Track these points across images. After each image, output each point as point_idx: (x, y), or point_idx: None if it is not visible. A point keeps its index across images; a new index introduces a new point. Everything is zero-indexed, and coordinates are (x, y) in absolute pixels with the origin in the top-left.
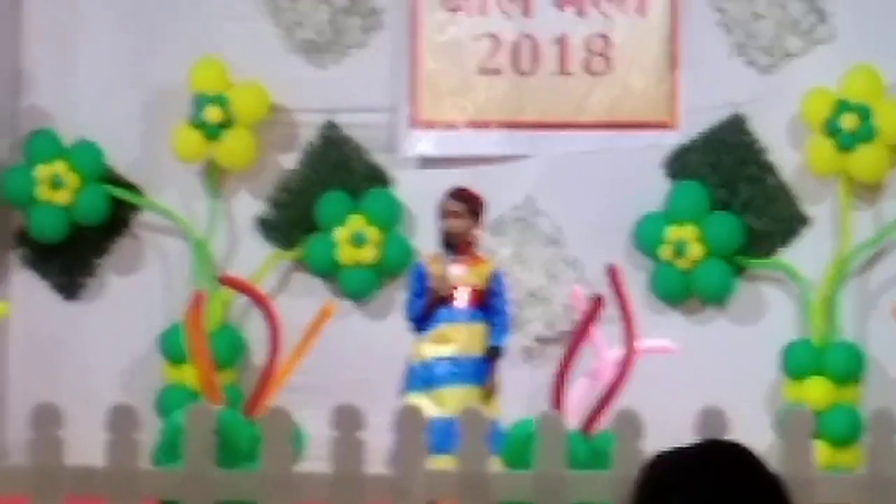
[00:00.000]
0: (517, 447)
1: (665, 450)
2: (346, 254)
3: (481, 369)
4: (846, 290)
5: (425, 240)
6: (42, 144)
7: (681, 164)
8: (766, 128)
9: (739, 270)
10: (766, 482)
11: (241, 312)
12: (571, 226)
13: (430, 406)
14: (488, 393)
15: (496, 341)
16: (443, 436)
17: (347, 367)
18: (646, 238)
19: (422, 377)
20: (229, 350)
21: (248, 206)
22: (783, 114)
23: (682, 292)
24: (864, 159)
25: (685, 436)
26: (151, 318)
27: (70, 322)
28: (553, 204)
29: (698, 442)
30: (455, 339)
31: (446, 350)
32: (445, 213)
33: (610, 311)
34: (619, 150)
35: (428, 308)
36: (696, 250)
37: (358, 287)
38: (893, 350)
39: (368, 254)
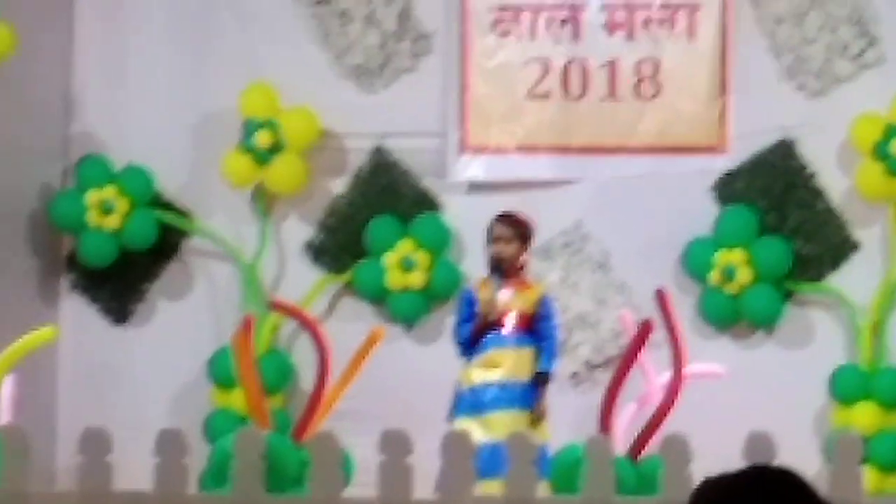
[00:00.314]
0: (565, 472)
1: (713, 476)
2: (394, 279)
3: (529, 394)
4: (895, 314)
5: (474, 265)
6: (92, 170)
7: (730, 189)
8: (816, 152)
9: (788, 295)
10: None
11: (289, 337)
12: (620, 250)
13: (477, 431)
14: (536, 418)
15: (544, 366)
16: (490, 461)
17: (395, 392)
18: (694, 262)
19: (469, 402)
20: (277, 375)
21: (297, 230)
22: (832, 138)
23: (730, 317)
24: None
25: (733, 461)
26: (200, 343)
27: (119, 347)
28: (602, 228)
29: (747, 468)
30: (503, 364)
31: (494, 375)
32: (494, 238)
33: (658, 335)
34: (668, 174)
35: (476, 333)
36: (744, 275)
37: (406, 312)
38: None
39: (417, 279)
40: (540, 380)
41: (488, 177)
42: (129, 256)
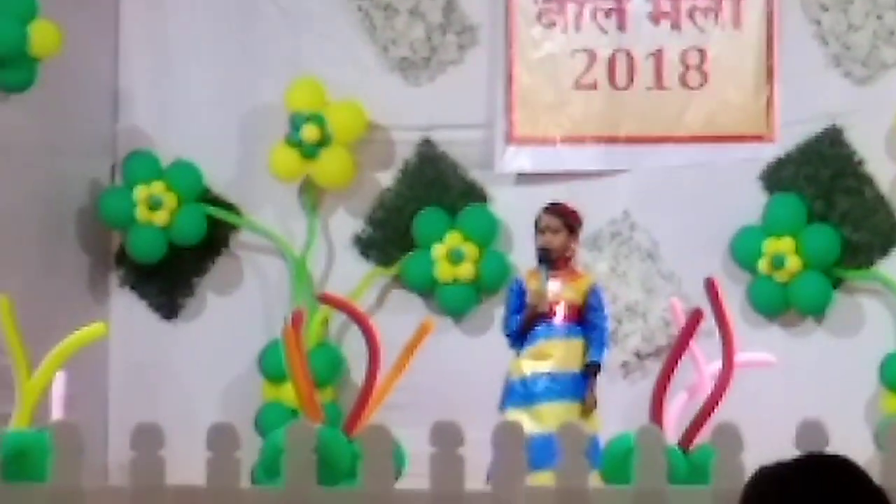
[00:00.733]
0: (616, 462)
1: (769, 464)
2: (443, 270)
3: (579, 385)
4: None
5: (522, 256)
6: (140, 165)
7: (777, 177)
8: (863, 139)
9: (837, 283)
10: (872, 495)
11: (339, 330)
12: (668, 240)
13: (528, 422)
14: (586, 409)
15: (594, 357)
16: (541, 452)
17: (445, 383)
18: (743, 251)
19: (520, 393)
20: (328, 368)
21: (346, 224)
22: (880, 125)
23: (779, 305)
24: None
25: (784, 449)
26: (250, 337)
27: (169, 342)
28: (650, 218)
29: (803, 456)
30: (553, 355)
31: (544, 366)
32: (541, 229)
33: (708, 324)
34: (716, 163)
35: (525, 324)
36: (793, 263)
37: (455, 304)
38: None
39: (466, 270)
40: (590, 370)
41: (535, 168)
42: (177, 251)
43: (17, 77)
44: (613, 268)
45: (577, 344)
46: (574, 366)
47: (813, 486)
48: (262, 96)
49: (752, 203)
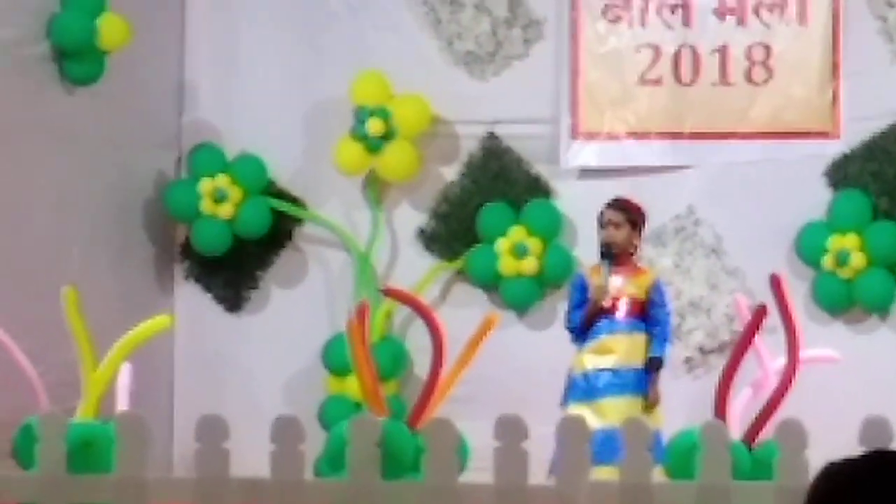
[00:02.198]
0: (680, 458)
1: (836, 460)
2: (507, 265)
3: (642, 380)
4: None
5: (586, 250)
6: (205, 158)
7: (842, 173)
8: None
9: None
10: None
11: (402, 324)
12: (732, 235)
13: (590, 417)
14: (649, 404)
15: (656, 352)
16: (603, 447)
17: (509, 377)
18: (807, 247)
19: (582, 388)
20: (392, 361)
21: (410, 217)
22: None
23: (844, 302)
24: None
25: (848, 446)
26: (314, 330)
27: (234, 334)
28: (714, 214)
29: (870, 452)
30: (616, 350)
31: (607, 361)
32: (605, 224)
33: (772, 320)
34: (781, 159)
35: (587, 318)
36: (858, 259)
37: (519, 298)
38: None
39: (529, 265)
40: (652, 365)
41: (600, 163)
42: (242, 244)
43: (86, 70)
44: (677, 263)
45: (639, 339)
46: (636, 361)
47: (882, 482)
48: (327, 90)
49: (816, 199)
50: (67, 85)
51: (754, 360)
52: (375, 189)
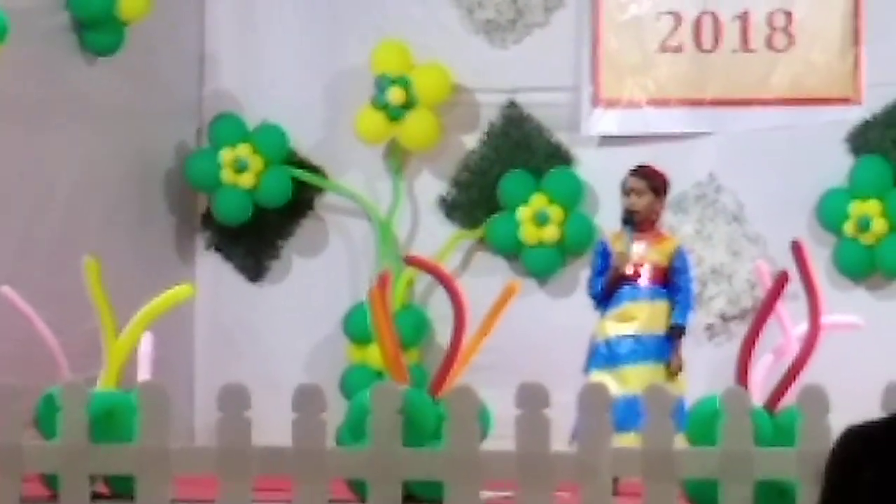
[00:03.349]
0: (701, 424)
1: (856, 424)
2: (528, 233)
3: (664, 347)
4: None
5: (607, 218)
6: (226, 128)
7: (864, 140)
8: None
9: None
10: None
11: (424, 292)
12: (754, 202)
13: (612, 384)
14: (672, 371)
15: (678, 319)
16: (625, 414)
17: (531, 345)
18: (829, 214)
19: (604, 355)
20: (413, 330)
21: (431, 186)
22: None
23: (865, 268)
24: None
25: (870, 411)
26: (335, 299)
27: (255, 304)
28: (735, 180)
29: (890, 416)
30: (638, 318)
31: (629, 328)
32: (628, 191)
33: (794, 287)
34: (802, 126)
35: (609, 285)
36: (879, 225)
37: (541, 266)
38: None
39: (551, 233)
40: (675, 332)
41: (621, 131)
42: (263, 214)
43: (106, 40)
44: (699, 230)
45: (661, 306)
46: (659, 328)
47: None
48: (347, 59)
49: (837, 165)
50: (87, 56)
51: (776, 326)
52: (396, 158)
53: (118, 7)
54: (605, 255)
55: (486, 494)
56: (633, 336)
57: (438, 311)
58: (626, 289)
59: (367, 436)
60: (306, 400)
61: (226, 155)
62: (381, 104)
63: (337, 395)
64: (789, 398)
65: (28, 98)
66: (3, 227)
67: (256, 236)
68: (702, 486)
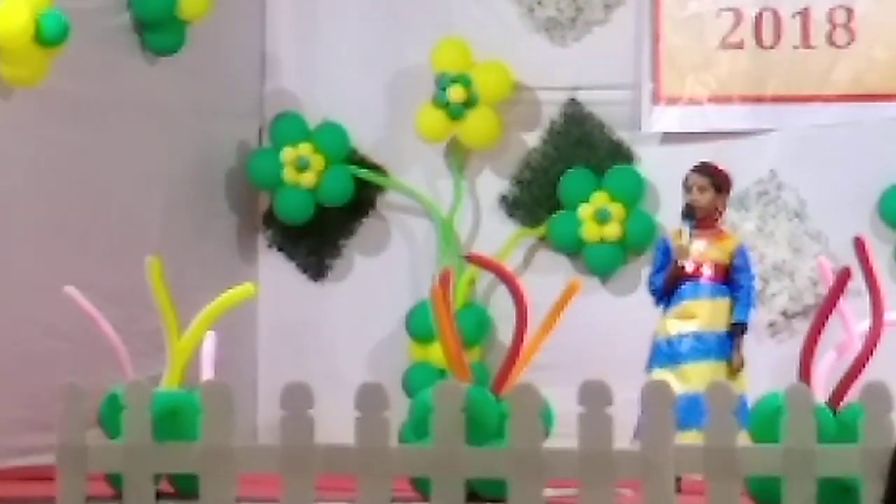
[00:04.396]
0: (764, 421)
1: None
2: (590, 231)
3: (725, 345)
4: None
5: (668, 215)
6: (287, 127)
7: None
8: None
9: None
10: None
11: (486, 290)
12: (816, 199)
13: (673, 382)
14: (733, 368)
15: (740, 317)
16: (687, 412)
17: (593, 343)
18: (891, 210)
19: (666, 353)
20: (475, 328)
21: (492, 184)
22: None
23: None
24: None
25: None
26: (397, 298)
27: (317, 303)
28: (797, 177)
29: None
30: (698, 315)
31: (690, 326)
32: (689, 188)
33: (856, 283)
34: (863, 122)
35: (669, 281)
36: None
37: (602, 264)
38: None
39: (612, 230)
40: (737, 330)
41: (682, 128)
42: (325, 213)
43: (167, 40)
44: (760, 227)
45: (723, 304)
46: (720, 326)
47: None
48: (408, 57)
49: None
50: (149, 56)
51: (838, 323)
52: (458, 156)
53: (179, 7)
54: (666, 251)
55: (549, 492)
56: (693, 333)
57: (500, 309)
58: (688, 286)
59: (429, 434)
60: (369, 398)
61: (287, 154)
62: (441, 102)
63: (399, 394)
64: (852, 395)
65: (90, 98)
66: (66, 228)
67: (318, 235)
68: (765, 483)
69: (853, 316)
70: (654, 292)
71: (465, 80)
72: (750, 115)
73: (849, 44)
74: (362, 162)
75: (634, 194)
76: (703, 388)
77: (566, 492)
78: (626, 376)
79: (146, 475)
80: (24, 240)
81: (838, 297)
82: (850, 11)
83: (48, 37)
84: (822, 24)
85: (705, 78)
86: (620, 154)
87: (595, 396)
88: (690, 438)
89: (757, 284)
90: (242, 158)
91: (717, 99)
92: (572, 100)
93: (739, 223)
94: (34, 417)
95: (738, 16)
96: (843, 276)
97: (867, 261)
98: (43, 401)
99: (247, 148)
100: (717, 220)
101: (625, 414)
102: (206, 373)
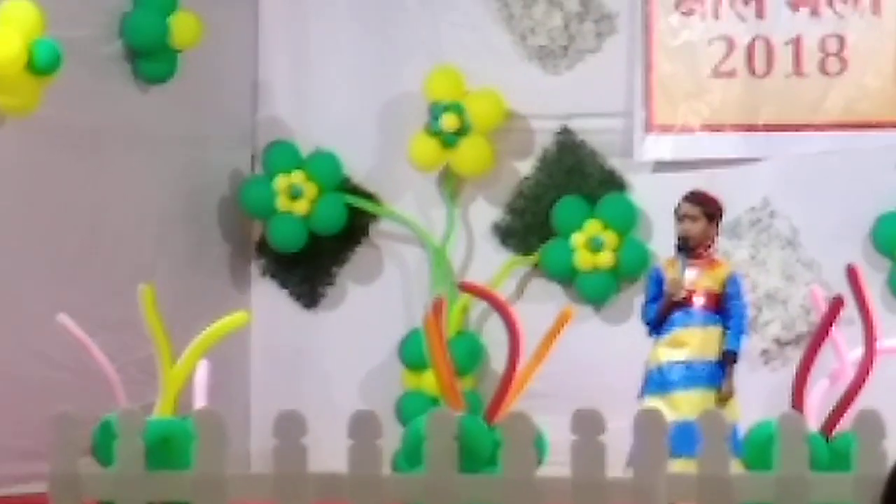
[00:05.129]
0: (757, 449)
1: None
2: (582, 259)
3: (715, 373)
4: None
5: (661, 243)
6: (280, 155)
7: None
8: None
9: None
10: None
11: (479, 318)
12: (808, 227)
13: (664, 410)
14: (723, 397)
15: (732, 345)
16: (678, 439)
17: (586, 371)
18: (883, 238)
19: (657, 381)
20: (468, 356)
21: (485, 212)
22: None
23: None
24: None
25: None
26: (390, 326)
27: (310, 330)
28: (789, 205)
29: None
30: (689, 343)
31: (680, 354)
32: (682, 217)
33: (849, 312)
34: (855, 150)
35: (663, 312)
36: None
37: (595, 292)
38: None
39: (605, 258)
40: (728, 359)
41: (675, 156)
42: (318, 241)
43: (159, 68)
44: (753, 255)
45: (714, 332)
46: (711, 354)
47: None
48: (401, 86)
49: (892, 190)
50: (141, 84)
51: (831, 351)
52: (450, 184)
53: (171, 35)
54: (658, 281)
55: None
56: (683, 361)
57: (493, 337)
58: (679, 314)
59: (422, 462)
60: (362, 426)
61: (280, 182)
62: (434, 131)
63: (392, 422)
64: (845, 423)
65: (82, 126)
66: (58, 255)
67: (311, 263)
68: None
69: (846, 344)
70: (648, 323)
71: (457, 109)
72: (742, 144)
73: (841, 72)
74: (355, 190)
75: (627, 222)
76: (693, 416)
77: None
78: (618, 404)
79: (139, 503)
80: (16, 267)
81: (831, 325)
82: (842, 40)
83: (40, 65)
84: (815, 52)
85: (698, 106)
86: (613, 182)
87: (588, 424)
88: (680, 466)
89: (750, 312)
90: (235, 186)
91: (709, 127)
92: (565, 128)
93: (732, 251)
94: (27, 445)
95: (730, 44)
96: (836, 305)
97: (860, 289)
98: (36, 429)
99: (239, 176)
100: (709, 248)
101: (618, 442)
102: (199, 401)
